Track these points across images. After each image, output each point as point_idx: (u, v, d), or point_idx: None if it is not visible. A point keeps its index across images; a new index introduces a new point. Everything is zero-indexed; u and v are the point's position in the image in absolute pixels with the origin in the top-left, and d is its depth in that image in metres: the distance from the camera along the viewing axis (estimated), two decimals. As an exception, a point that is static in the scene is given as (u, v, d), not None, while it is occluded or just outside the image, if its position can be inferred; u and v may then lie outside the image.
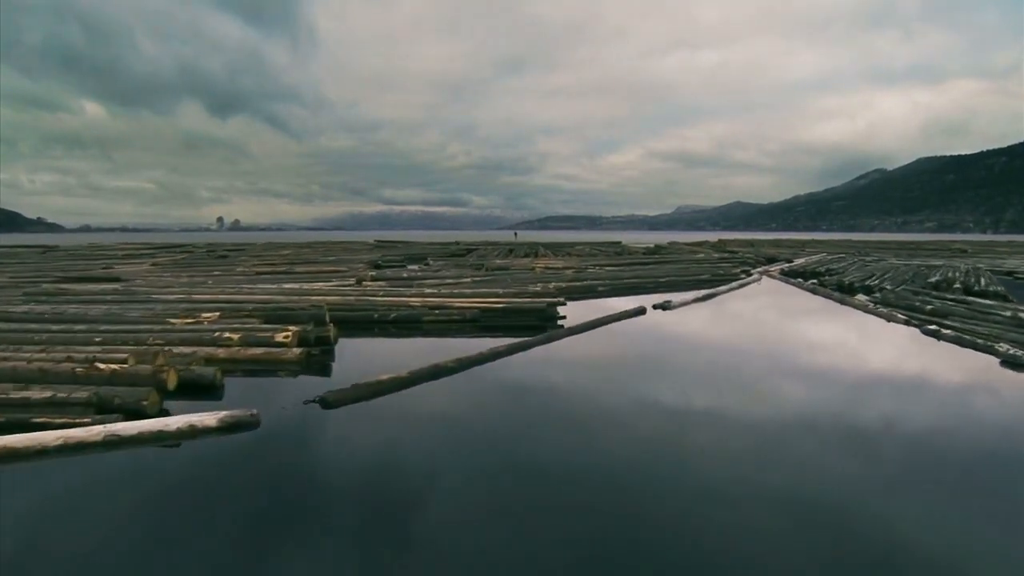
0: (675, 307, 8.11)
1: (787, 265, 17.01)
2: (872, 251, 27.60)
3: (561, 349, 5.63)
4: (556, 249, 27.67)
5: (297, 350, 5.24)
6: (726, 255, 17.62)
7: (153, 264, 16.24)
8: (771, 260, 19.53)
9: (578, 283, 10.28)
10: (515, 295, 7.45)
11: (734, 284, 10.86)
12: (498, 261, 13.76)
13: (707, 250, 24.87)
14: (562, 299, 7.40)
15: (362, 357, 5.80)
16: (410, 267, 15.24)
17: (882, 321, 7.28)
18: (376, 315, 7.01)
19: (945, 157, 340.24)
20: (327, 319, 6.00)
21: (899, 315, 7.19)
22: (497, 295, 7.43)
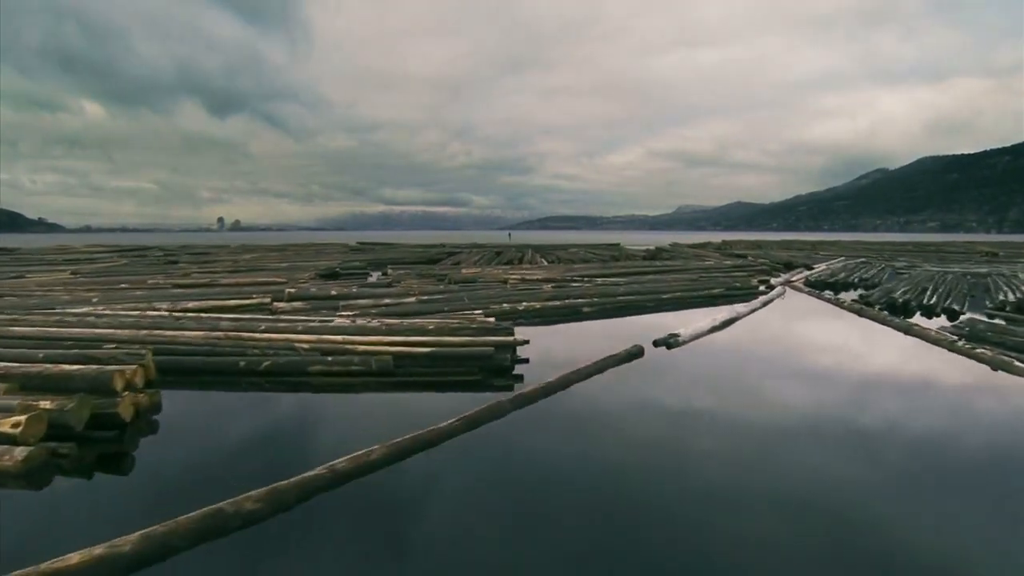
0: (683, 342, 5.82)
1: (809, 273, 14.70)
2: (894, 254, 25.27)
3: (488, 443, 3.32)
4: (549, 252, 25.37)
5: (22, 453, 2.96)
6: (739, 262, 15.30)
7: (72, 273, 13.96)
8: (787, 265, 17.22)
9: (557, 302, 7.97)
10: (454, 330, 5.15)
11: (756, 304, 8.55)
12: (465, 271, 11.43)
13: (713, 254, 22.58)
14: (521, 339, 5.09)
15: (176, 454, 3.49)
16: (376, 274, 13.03)
17: (985, 369, 4.99)
18: (243, 362, 4.73)
19: (948, 156, 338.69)
20: (121, 387, 3.70)
21: (1016, 363, 4.88)
22: (426, 331, 5.13)
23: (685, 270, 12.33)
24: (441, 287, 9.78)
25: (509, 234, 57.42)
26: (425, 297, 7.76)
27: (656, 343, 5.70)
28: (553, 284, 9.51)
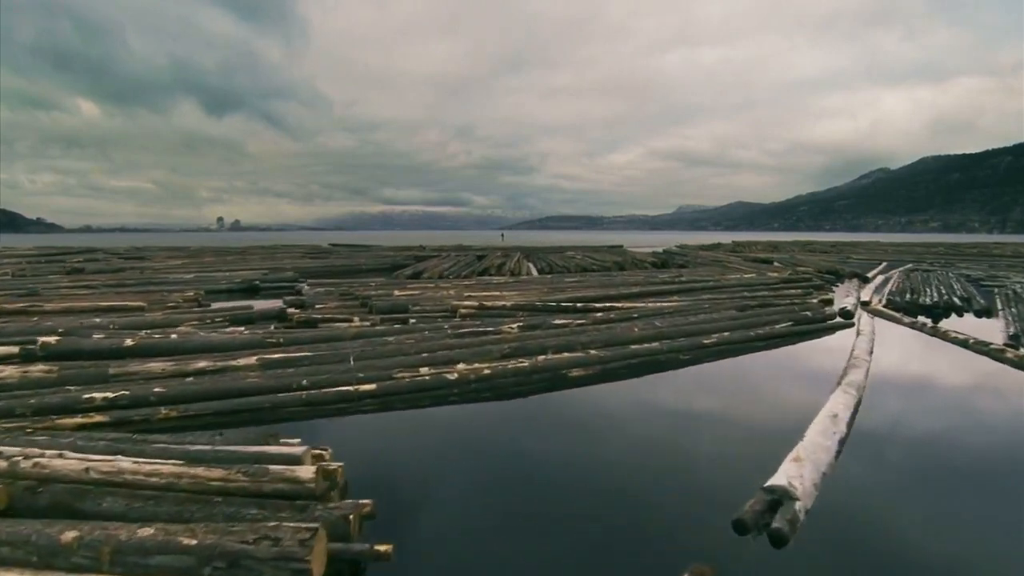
0: (802, 511, 2.36)
1: (872, 286, 11.24)
2: (937, 257, 21.85)
3: None
4: (542, 255, 22.01)
5: None
6: (786, 275, 11.77)
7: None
8: (835, 274, 13.79)
9: (524, 363, 4.50)
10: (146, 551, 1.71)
11: (859, 354, 5.09)
12: (400, 293, 7.92)
13: (735, 258, 19.15)
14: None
15: None
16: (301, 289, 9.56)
17: None
18: None
19: (949, 156, 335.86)
20: None
21: None
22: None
23: (720, 287, 8.83)
24: (357, 318, 6.34)
25: (502, 234, 53.96)
26: (278, 355, 4.29)
27: (740, 526, 2.24)
28: (524, 319, 6.04)
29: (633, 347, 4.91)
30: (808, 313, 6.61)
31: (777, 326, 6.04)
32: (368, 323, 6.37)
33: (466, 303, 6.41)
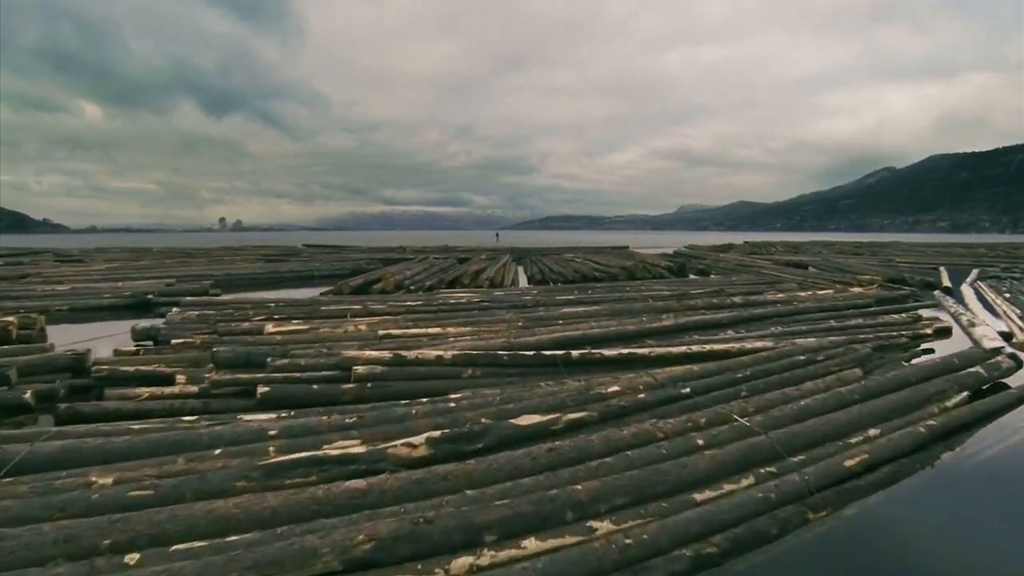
0: None
1: (978, 307, 8.34)
2: (991, 259, 18.94)
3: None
4: (539, 256, 19.26)
5: None
6: (871, 289, 8.83)
7: None
8: (900, 282, 10.90)
9: None
10: None
11: None
12: (274, 328, 5.02)
13: (763, 262, 16.30)
14: None
15: None
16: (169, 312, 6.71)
17: None
18: None
19: (958, 154, 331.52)
20: None
21: None
22: None
23: (793, 314, 5.84)
24: (185, 385, 3.52)
25: (497, 235, 51.12)
26: None
27: None
28: (474, 379, 3.20)
29: (701, 497, 2.03)
30: (980, 371, 3.71)
31: (948, 402, 3.16)
32: (196, 388, 3.54)
33: (371, 354, 3.53)
